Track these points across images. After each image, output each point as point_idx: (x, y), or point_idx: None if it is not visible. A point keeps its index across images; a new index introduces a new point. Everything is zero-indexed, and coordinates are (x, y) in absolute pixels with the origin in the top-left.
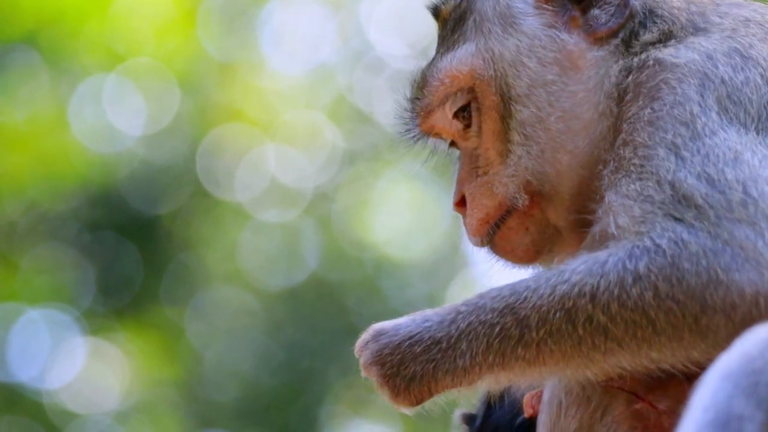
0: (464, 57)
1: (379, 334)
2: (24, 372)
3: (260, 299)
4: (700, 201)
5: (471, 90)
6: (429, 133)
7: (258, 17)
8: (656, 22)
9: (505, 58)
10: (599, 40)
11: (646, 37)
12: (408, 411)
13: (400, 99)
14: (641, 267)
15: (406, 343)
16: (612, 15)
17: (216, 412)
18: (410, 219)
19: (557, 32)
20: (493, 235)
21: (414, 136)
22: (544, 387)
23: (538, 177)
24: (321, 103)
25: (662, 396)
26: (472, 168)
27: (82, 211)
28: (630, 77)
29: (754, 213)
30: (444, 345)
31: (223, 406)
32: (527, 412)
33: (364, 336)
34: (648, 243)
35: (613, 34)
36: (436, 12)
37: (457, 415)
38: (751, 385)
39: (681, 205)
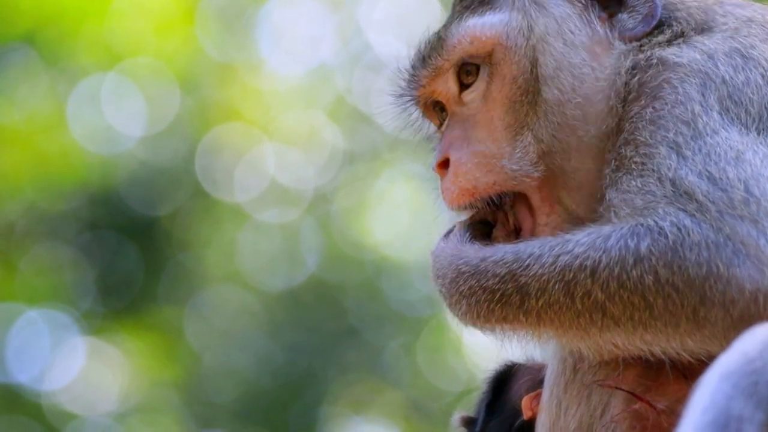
0: (494, 22)
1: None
2: (23, 372)
3: (259, 300)
4: (701, 197)
5: (488, 56)
6: (425, 98)
7: (257, 17)
8: (672, 25)
9: (536, 33)
10: (623, 42)
11: (659, 38)
12: None
13: (403, 61)
14: (643, 248)
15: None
16: (639, 22)
17: (215, 412)
18: (410, 219)
19: (588, 18)
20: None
21: (405, 101)
22: (542, 388)
23: (548, 155)
24: (320, 104)
25: (661, 396)
26: (464, 134)
27: (81, 212)
28: (636, 78)
29: (756, 211)
30: (447, 303)
31: (223, 406)
32: (526, 414)
33: None
34: (651, 223)
35: (637, 40)
36: None
37: (456, 417)
38: (751, 386)
39: (683, 198)
